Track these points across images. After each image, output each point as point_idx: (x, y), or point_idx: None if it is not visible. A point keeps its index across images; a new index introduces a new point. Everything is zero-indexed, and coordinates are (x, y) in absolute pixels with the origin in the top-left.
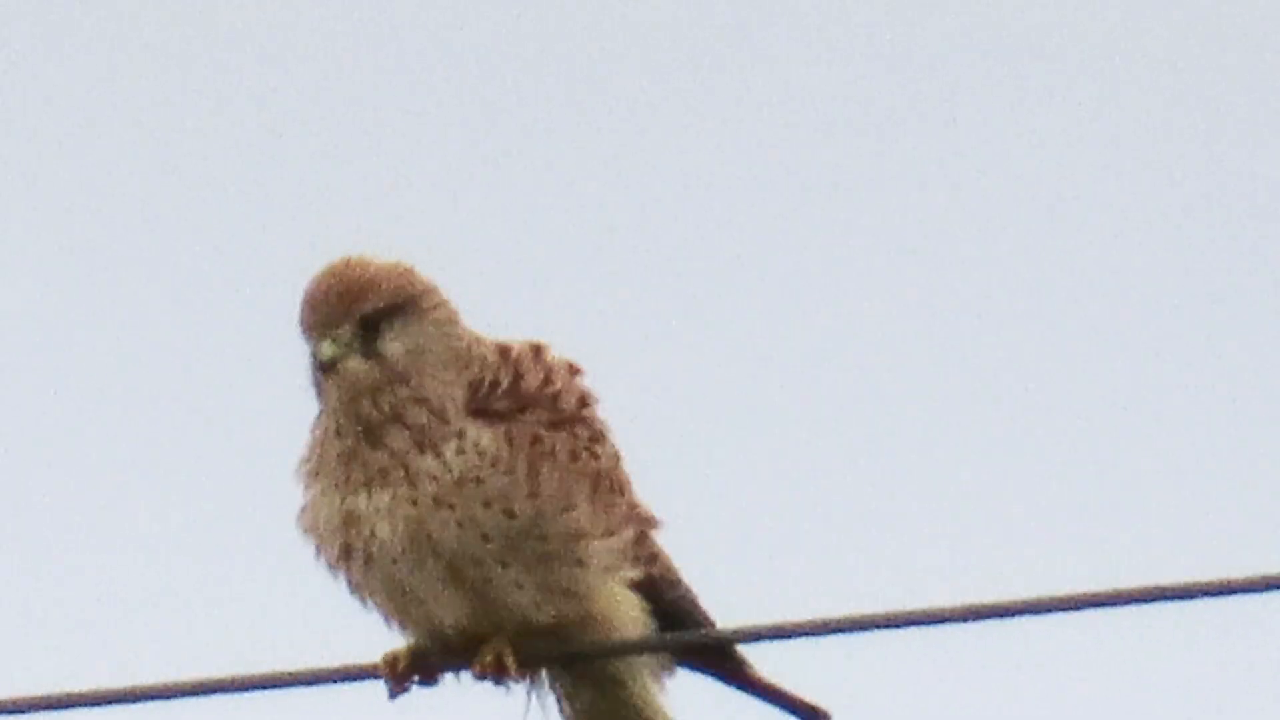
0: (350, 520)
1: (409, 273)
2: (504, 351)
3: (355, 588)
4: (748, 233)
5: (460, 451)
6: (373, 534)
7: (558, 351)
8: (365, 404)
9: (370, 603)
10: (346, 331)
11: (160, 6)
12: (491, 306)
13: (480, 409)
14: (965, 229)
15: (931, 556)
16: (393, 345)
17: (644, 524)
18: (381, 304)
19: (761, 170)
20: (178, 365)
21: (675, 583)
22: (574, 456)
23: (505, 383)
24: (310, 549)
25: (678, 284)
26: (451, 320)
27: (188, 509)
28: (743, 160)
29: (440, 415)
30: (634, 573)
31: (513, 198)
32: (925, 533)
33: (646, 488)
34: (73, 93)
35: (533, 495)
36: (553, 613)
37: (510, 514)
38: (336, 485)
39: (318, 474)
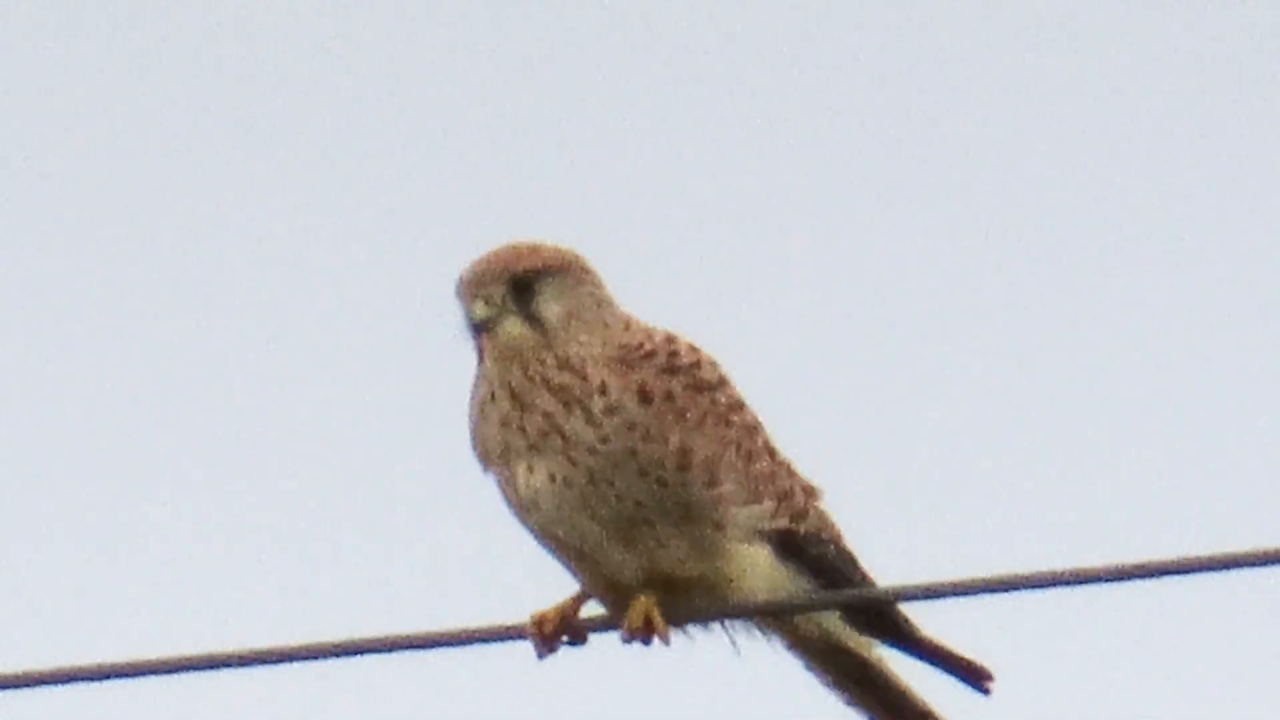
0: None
1: (569, 250)
2: (670, 338)
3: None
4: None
5: (608, 410)
6: (539, 507)
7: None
8: (516, 370)
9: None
10: (498, 291)
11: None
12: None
13: (622, 362)
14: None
15: (1084, 516)
16: (549, 307)
17: (801, 494)
18: (535, 265)
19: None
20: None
21: (824, 540)
22: (702, 420)
23: (661, 357)
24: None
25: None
26: (608, 300)
27: (338, 469)
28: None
29: (580, 372)
30: (775, 524)
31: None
32: (1078, 491)
33: (812, 456)
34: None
35: (683, 467)
36: (697, 569)
37: (663, 483)
38: (499, 456)
39: (487, 453)
